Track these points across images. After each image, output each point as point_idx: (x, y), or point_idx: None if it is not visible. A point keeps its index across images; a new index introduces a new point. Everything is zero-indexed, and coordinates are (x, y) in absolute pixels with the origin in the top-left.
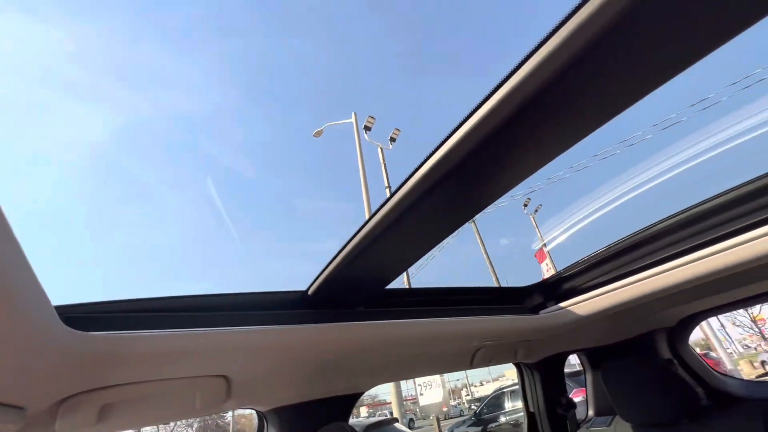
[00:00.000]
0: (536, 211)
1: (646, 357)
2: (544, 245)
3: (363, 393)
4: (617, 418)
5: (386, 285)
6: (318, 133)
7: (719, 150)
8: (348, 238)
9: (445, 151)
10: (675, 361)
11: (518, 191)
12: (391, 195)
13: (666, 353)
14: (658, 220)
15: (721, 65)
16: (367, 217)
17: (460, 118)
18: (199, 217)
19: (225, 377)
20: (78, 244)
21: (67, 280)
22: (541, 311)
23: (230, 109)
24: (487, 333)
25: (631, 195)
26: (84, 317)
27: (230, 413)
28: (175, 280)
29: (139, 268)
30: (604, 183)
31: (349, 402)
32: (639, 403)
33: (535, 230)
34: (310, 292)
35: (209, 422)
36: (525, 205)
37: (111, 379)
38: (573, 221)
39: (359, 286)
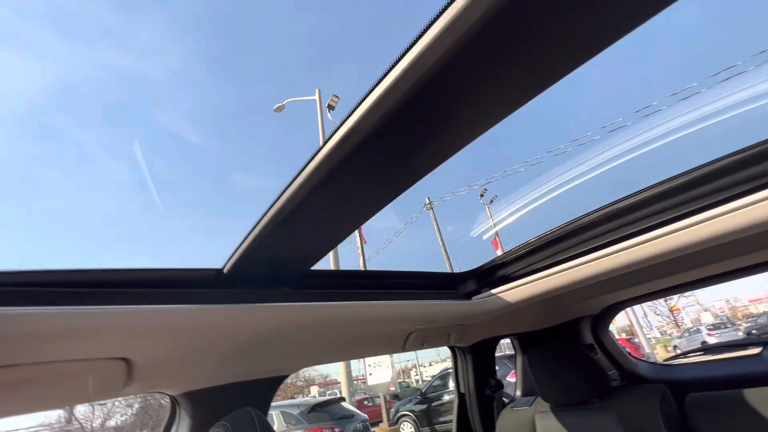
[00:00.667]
0: (491, 201)
1: (571, 342)
2: (496, 234)
3: (287, 376)
4: (538, 398)
5: (311, 265)
6: (279, 108)
7: (651, 147)
8: (263, 212)
9: (374, 100)
10: (596, 346)
11: (476, 182)
12: (312, 156)
13: (589, 339)
14: (585, 213)
15: (660, 76)
16: None
17: (393, 59)
18: (131, 185)
19: (125, 360)
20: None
21: None
22: (474, 297)
23: (184, 74)
24: (419, 317)
25: (572, 185)
26: None
27: None
28: (95, 251)
29: (59, 235)
30: (548, 172)
31: (271, 385)
32: (557, 385)
33: (486, 218)
34: (225, 270)
35: (151, 403)
36: (481, 196)
37: None
38: (517, 206)
39: (281, 265)
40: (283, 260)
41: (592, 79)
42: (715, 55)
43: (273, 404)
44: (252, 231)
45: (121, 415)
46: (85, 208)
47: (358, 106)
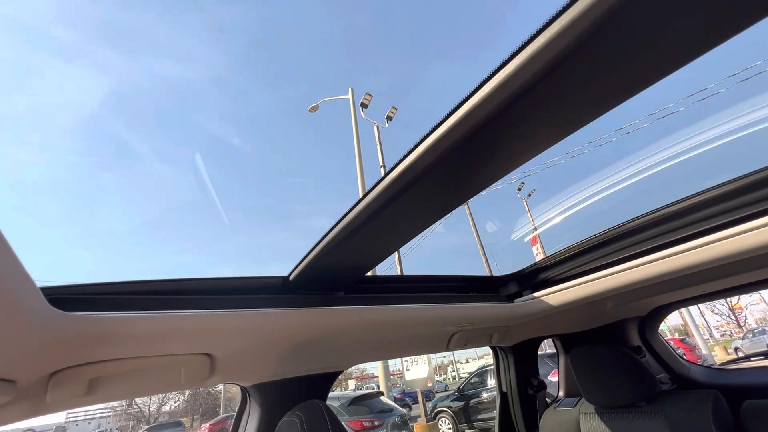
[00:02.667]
0: (529, 195)
1: (616, 343)
2: (535, 229)
3: (342, 371)
4: (582, 399)
5: (365, 272)
6: (314, 108)
7: (709, 147)
8: (330, 227)
9: (433, 140)
10: (643, 348)
11: (513, 175)
12: (375, 185)
13: (636, 340)
14: (633, 217)
15: (720, 56)
16: (361, 194)
17: (451, 107)
18: (189, 188)
19: (209, 355)
20: (67, 212)
21: (53, 247)
22: (516, 299)
23: (223, 79)
24: (463, 319)
25: (620, 186)
26: (69, 298)
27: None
28: (162, 252)
29: (127, 239)
30: (597, 171)
31: (328, 379)
32: (602, 387)
33: (526, 214)
34: (291, 278)
35: (200, 390)
36: (519, 189)
37: (97, 356)
38: (564, 207)
39: (339, 273)
40: (340, 269)
41: None
42: None
43: None
44: (318, 244)
45: (175, 402)
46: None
47: (441, 123)
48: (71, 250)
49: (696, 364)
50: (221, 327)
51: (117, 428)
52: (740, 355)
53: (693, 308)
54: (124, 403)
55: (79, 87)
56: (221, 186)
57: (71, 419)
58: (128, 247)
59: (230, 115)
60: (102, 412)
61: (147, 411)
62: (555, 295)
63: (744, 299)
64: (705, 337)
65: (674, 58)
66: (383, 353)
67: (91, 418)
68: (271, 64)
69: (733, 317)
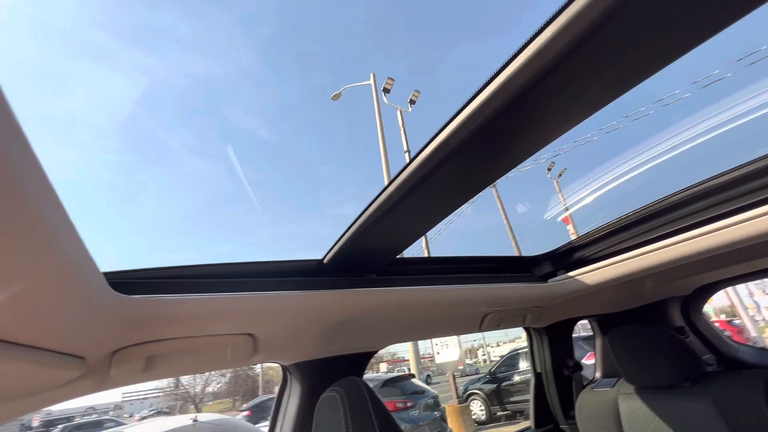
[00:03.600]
0: (560, 175)
1: (658, 324)
2: (567, 209)
3: (377, 351)
4: (621, 380)
5: (397, 254)
6: (336, 96)
7: (755, 115)
8: (361, 210)
9: (466, 116)
10: (687, 328)
11: (542, 155)
12: (405, 166)
13: (678, 321)
14: (676, 191)
15: None
16: (386, 181)
17: (483, 81)
18: (221, 181)
19: (251, 335)
20: (111, 207)
21: (103, 237)
22: (551, 279)
23: (248, 72)
24: (495, 300)
25: (660, 160)
26: (128, 282)
27: (259, 366)
28: (199, 242)
29: (166, 231)
30: (634, 146)
31: (363, 359)
32: (644, 367)
33: (557, 195)
34: (325, 261)
35: (240, 373)
36: (549, 169)
37: (154, 335)
38: (597, 185)
39: (371, 255)
40: (372, 251)
41: None
42: None
43: None
44: (350, 228)
45: (217, 383)
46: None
47: (471, 100)
48: (116, 241)
49: (746, 345)
50: (261, 308)
51: (167, 407)
52: None
53: (741, 288)
54: (172, 385)
55: (115, 88)
56: (253, 178)
57: (126, 399)
58: (168, 238)
59: (257, 108)
60: (153, 393)
61: (192, 392)
62: (591, 274)
63: None
64: (755, 319)
65: (716, 18)
66: (416, 334)
67: (144, 398)
68: (295, 54)
69: None
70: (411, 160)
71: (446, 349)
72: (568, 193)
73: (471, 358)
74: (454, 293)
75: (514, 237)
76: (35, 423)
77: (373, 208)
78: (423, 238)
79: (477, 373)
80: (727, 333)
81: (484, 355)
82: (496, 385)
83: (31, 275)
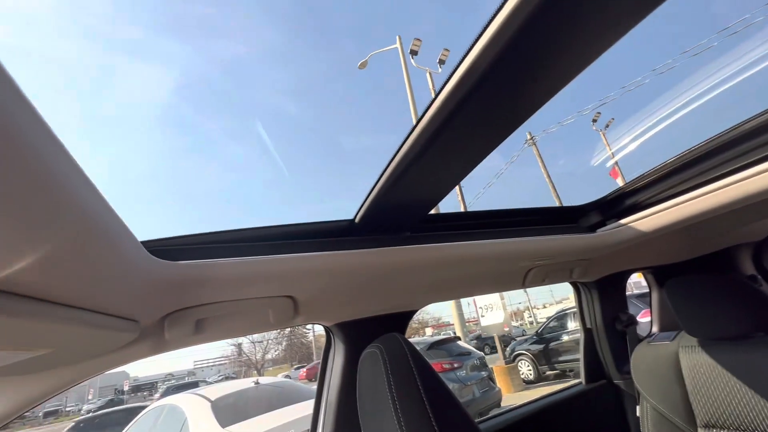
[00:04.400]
0: (607, 126)
1: (725, 273)
2: (616, 163)
3: (416, 310)
4: (682, 333)
5: (430, 209)
6: (363, 65)
7: None
8: (386, 162)
9: (473, 58)
10: (759, 277)
11: (587, 104)
12: (426, 108)
13: (749, 269)
14: (742, 121)
15: None
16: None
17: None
18: (258, 161)
19: (291, 297)
20: (157, 192)
21: (156, 220)
22: (599, 229)
23: (276, 50)
24: (538, 253)
25: (709, 96)
26: (171, 249)
27: (311, 334)
28: (239, 217)
29: (210, 209)
30: (690, 76)
31: (404, 318)
32: (709, 317)
33: (603, 145)
34: (357, 220)
35: (294, 341)
36: (594, 121)
37: (199, 299)
38: (644, 127)
39: (403, 211)
40: (404, 207)
41: None
42: None
43: None
44: (377, 183)
45: (275, 351)
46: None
47: (472, 46)
48: (169, 224)
49: None
50: (297, 269)
51: (233, 373)
52: None
53: None
54: (236, 353)
55: (150, 81)
56: (284, 156)
57: (197, 366)
58: (214, 216)
59: (286, 85)
60: (220, 361)
61: (254, 359)
62: (646, 221)
63: None
64: None
65: None
66: (456, 292)
67: (212, 365)
68: (319, 26)
69: None
70: (432, 100)
71: (491, 312)
72: (614, 143)
73: (517, 321)
74: (493, 248)
75: (555, 191)
76: (126, 387)
77: (397, 159)
78: (458, 194)
79: (523, 335)
80: None
81: (530, 317)
82: (544, 345)
83: (60, 237)
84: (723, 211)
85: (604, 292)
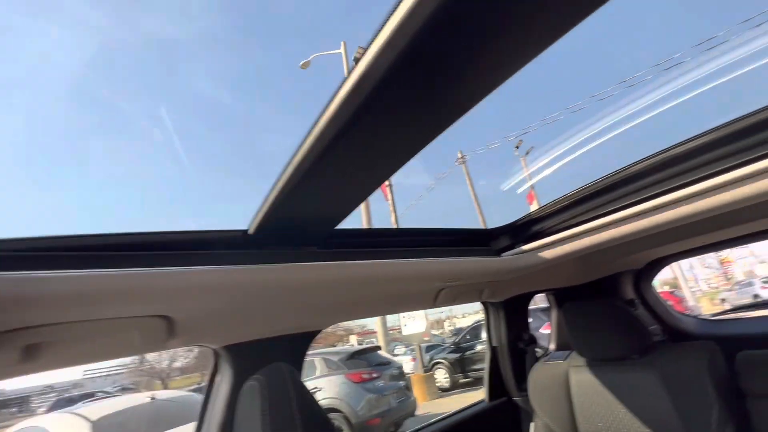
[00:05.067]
0: (527, 153)
1: (610, 297)
2: (532, 188)
3: (320, 331)
4: (573, 353)
5: (338, 223)
6: (305, 65)
7: (706, 87)
8: (280, 171)
9: (369, 59)
10: (637, 301)
11: (512, 132)
12: (321, 113)
13: (629, 294)
14: (629, 164)
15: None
16: None
17: None
18: (165, 149)
19: (165, 317)
20: (49, 173)
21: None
22: (507, 253)
23: (215, 37)
24: (450, 274)
25: (616, 132)
26: None
27: None
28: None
29: (111, 200)
30: (590, 118)
31: (306, 339)
32: (594, 340)
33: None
34: (251, 231)
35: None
36: (517, 147)
37: (30, 320)
38: (555, 155)
39: (307, 224)
40: (308, 220)
41: (642, 11)
42: None
43: (316, 351)
44: (272, 191)
45: (185, 358)
46: (127, 175)
47: (369, 45)
48: (56, 215)
49: (687, 315)
50: (175, 286)
51: (132, 384)
52: (726, 306)
53: (684, 263)
54: (137, 360)
55: (63, 47)
56: (204, 144)
57: (88, 376)
58: (118, 216)
59: (222, 74)
60: (116, 369)
61: (159, 367)
62: (549, 248)
63: (734, 252)
64: (693, 289)
65: None
66: (366, 311)
67: (107, 375)
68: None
69: (721, 270)
70: (327, 104)
71: (413, 322)
72: (533, 169)
73: (438, 330)
74: (405, 268)
75: (481, 212)
76: None
77: (294, 164)
78: (392, 213)
79: (443, 344)
80: (670, 303)
81: (450, 326)
82: (460, 354)
83: None
84: (614, 243)
85: (510, 312)
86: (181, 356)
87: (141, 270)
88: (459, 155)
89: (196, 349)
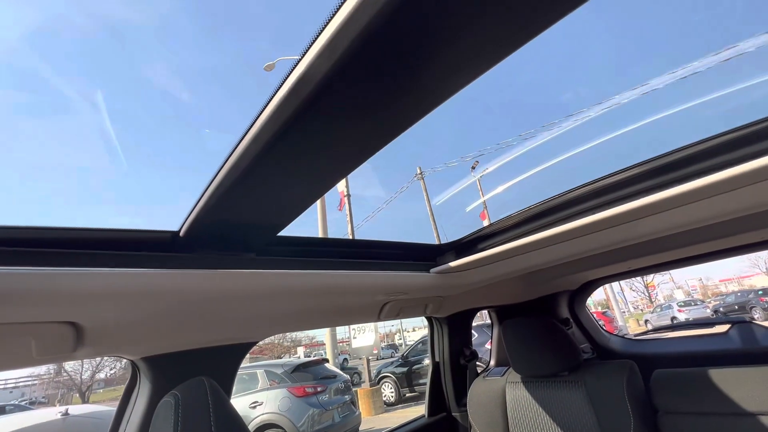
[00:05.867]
0: (482, 175)
1: (546, 316)
2: (485, 206)
3: (256, 342)
4: (510, 369)
5: (280, 230)
6: (269, 67)
7: (639, 123)
8: (215, 171)
9: (310, 60)
10: (571, 320)
11: (468, 153)
12: (261, 110)
13: (565, 313)
14: (568, 189)
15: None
16: None
17: None
18: (98, 137)
19: (72, 324)
20: None
21: None
22: (451, 268)
23: (174, 27)
24: (393, 288)
25: (555, 160)
26: None
27: None
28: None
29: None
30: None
31: (239, 350)
32: (529, 357)
33: (476, 191)
34: (182, 233)
35: None
36: (473, 168)
37: None
38: (507, 179)
39: (246, 230)
40: (247, 224)
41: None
42: (721, 31)
43: (259, 363)
44: (205, 191)
45: (111, 369)
46: (53, 162)
47: (314, 40)
48: None
49: (614, 334)
50: (87, 289)
51: (44, 397)
52: (649, 327)
53: (615, 285)
54: (52, 371)
55: None
56: (149, 137)
57: None
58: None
59: (178, 67)
60: (26, 380)
61: (79, 379)
62: (490, 266)
63: (657, 278)
64: (622, 311)
65: None
66: (306, 323)
67: (14, 387)
68: (231, 14)
69: (646, 294)
70: (267, 102)
71: (362, 334)
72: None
73: (387, 343)
74: (348, 279)
75: (434, 223)
76: None
77: (230, 164)
78: (348, 223)
79: (392, 357)
80: (601, 322)
81: (400, 339)
82: (408, 368)
83: None
84: (552, 263)
85: (453, 328)
86: (107, 366)
87: (46, 269)
88: (418, 171)
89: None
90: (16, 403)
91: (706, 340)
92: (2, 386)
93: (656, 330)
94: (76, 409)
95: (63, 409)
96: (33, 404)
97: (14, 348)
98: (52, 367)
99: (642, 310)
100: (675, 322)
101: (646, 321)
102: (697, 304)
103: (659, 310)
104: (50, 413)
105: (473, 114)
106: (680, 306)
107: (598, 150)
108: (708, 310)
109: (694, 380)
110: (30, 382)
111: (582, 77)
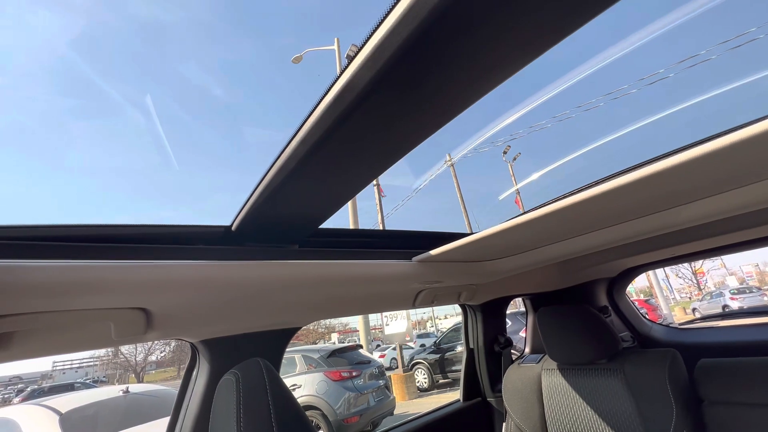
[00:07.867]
0: (515, 159)
1: (585, 303)
2: (518, 193)
3: (299, 328)
4: (546, 356)
5: (321, 223)
6: (297, 59)
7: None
8: (266, 169)
9: (355, 68)
10: (609, 308)
11: (500, 138)
12: (307, 116)
13: (603, 301)
14: (607, 175)
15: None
16: None
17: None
18: (148, 139)
19: (143, 310)
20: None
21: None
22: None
23: (207, 24)
24: (428, 277)
25: (595, 144)
26: None
27: None
28: (118, 203)
29: (85, 188)
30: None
31: (284, 335)
32: (565, 344)
33: (509, 176)
34: (234, 227)
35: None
36: (504, 152)
37: (2, 309)
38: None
39: (290, 222)
40: (291, 218)
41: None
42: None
43: (296, 348)
44: (256, 188)
45: (161, 352)
46: (108, 162)
47: (358, 53)
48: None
49: (657, 323)
50: (154, 279)
51: (104, 376)
52: (697, 315)
53: (659, 272)
54: (110, 353)
55: (46, 27)
56: (192, 135)
57: (58, 367)
58: (100, 203)
59: (211, 63)
60: (89, 362)
61: (134, 360)
62: (524, 255)
63: (707, 264)
64: (667, 298)
65: None
66: (344, 310)
67: (78, 367)
68: (259, 10)
69: (694, 280)
70: (314, 107)
71: (395, 321)
72: (520, 176)
73: (419, 330)
74: (384, 269)
75: (467, 215)
76: None
77: (280, 163)
78: (378, 212)
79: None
80: (643, 311)
81: (432, 327)
82: (440, 355)
83: None
84: (590, 251)
85: (487, 315)
86: (158, 349)
87: (120, 262)
88: (447, 157)
89: (172, 343)
90: (82, 381)
91: (759, 330)
92: (69, 366)
93: (704, 319)
94: (135, 387)
95: (124, 387)
96: (96, 382)
97: (97, 330)
98: (110, 349)
99: (690, 297)
100: (726, 310)
101: (694, 309)
102: (752, 292)
103: (709, 297)
104: (113, 390)
105: (505, 95)
106: (733, 294)
107: (639, 133)
108: (766, 298)
109: (743, 370)
110: (92, 363)
111: (620, 56)
